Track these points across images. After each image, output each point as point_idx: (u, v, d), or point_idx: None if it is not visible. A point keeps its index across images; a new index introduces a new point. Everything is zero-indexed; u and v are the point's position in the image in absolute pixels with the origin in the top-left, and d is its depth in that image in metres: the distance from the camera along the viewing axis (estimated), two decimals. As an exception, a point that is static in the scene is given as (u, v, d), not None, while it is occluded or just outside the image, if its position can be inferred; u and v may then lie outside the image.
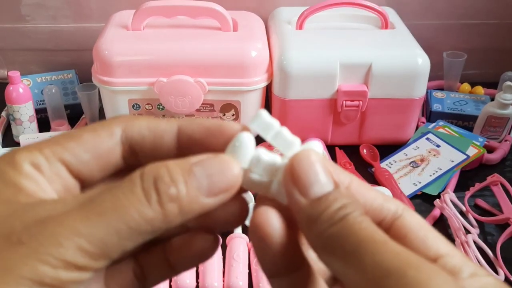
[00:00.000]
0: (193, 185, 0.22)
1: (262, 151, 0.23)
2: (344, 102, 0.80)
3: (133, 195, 0.21)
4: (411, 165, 0.81)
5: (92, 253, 0.20)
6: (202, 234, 0.25)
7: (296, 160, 0.22)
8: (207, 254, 0.25)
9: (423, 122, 0.91)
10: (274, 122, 0.24)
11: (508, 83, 0.82)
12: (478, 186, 0.74)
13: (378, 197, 0.23)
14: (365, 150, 0.85)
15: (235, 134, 0.24)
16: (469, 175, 0.80)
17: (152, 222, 0.21)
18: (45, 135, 0.86)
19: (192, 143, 0.24)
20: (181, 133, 0.25)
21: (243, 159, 0.23)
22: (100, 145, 0.24)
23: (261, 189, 0.24)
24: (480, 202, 0.75)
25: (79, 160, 0.23)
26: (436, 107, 0.92)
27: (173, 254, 0.25)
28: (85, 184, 0.24)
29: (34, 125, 0.87)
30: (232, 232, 0.67)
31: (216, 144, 0.24)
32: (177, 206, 0.21)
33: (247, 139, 0.23)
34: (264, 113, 0.24)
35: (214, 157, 0.22)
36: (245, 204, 0.24)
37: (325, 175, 0.22)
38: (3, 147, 0.87)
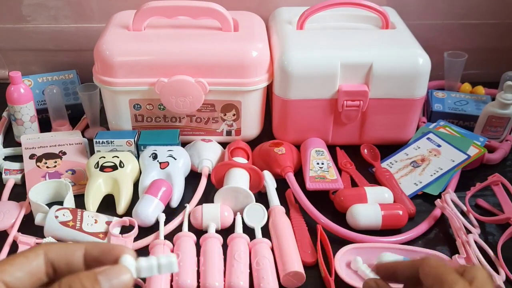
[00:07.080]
0: None
1: (142, 262, 0.34)
2: (345, 102, 0.80)
3: None
4: (412, 165, 0.81)
5: None
6: None
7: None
8: None
9: (424, 122, 0.91)
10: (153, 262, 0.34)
11: (509, 82, 0.82)
12: (479, 186, 0.75)
13: None
14: (365, 150, 0.85)
15: (120, 255, 0.34)
16: (470, 175, 0.80)
17: None
18: (46, 135, 0.86)
19: (94, 260, 0.34)
20: (86, 253, 0.34)
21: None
22: (29, 265, 0.33)
23: None
24: (481, 202, 0.75)
25: (15, 278, 0.32)
26: (437, 107, 0.92)
27: None
28: None
29: (35, 125, 0.87)
30: (233, 232, 0.67)
31: (108, 261, 0.34)
32: None
33: (128, 259, 0.34)
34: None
35: (112, 267, 0.33)
36: None
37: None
38: (4, 147, 0.87)
